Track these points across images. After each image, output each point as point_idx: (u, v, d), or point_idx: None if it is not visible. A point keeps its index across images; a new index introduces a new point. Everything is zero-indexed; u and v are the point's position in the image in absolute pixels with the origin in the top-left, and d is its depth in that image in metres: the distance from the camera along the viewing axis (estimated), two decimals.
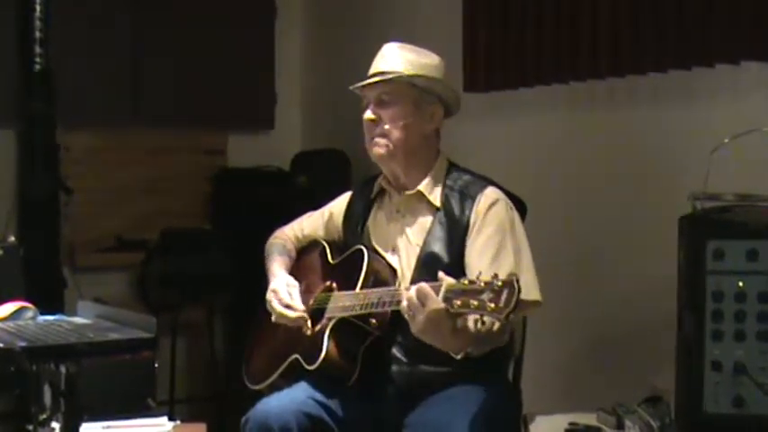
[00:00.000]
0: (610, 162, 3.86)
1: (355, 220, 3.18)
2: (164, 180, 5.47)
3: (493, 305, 2.40)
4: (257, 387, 3.15)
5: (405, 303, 2.59)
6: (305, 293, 3.14)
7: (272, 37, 5.75)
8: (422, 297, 2.54)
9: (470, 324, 2.56)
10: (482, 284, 2.44)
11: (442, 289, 2.51)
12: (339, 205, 3.28)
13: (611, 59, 3.70)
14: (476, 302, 2.43)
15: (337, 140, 5.27)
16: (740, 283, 2.74)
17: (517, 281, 2.42)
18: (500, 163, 3.64)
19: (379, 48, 3.09)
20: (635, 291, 3.66)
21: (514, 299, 2.40)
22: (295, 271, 3.26)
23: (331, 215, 3.29)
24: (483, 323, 2.48)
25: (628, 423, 3.10)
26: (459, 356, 2.69)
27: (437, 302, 2.51)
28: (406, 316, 2.60)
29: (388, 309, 2.78)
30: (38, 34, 4.80)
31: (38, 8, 4.79)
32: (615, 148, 3.85)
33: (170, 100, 5.35)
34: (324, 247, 3.23)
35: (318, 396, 2.93)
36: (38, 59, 4.81)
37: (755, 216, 2.83)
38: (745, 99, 3.37)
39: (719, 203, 2.91)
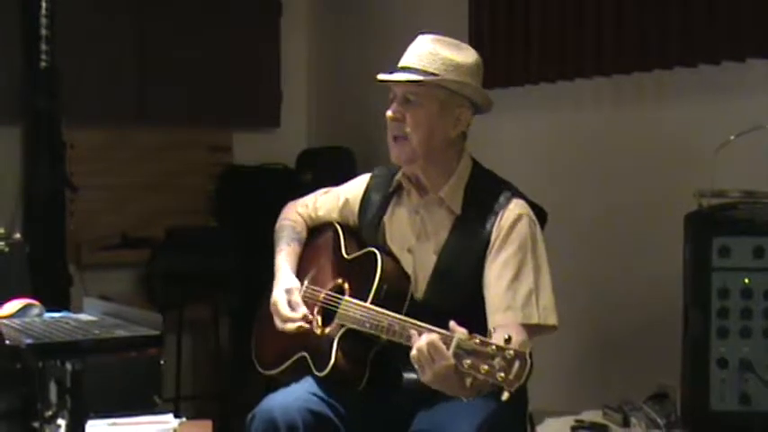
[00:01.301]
0: (615, 159, 3.86)
1: (372, 211, 3.11)
2: (169, 177, 5.48)
3: (503, 375, 2.34)
4: (264, 372, 3.14)
5: (414, 353, 2.54)
6: (315, 283, 3.10)
7: (278, 35, 5.76)
8: (432, 351, 2.48)
9: (478, 383, 2.49)
10: (494, 348, 2.37)
11: (453, 343, 2.45)
12: (356, 192, 3.19)
13: (616, 57, 3.70)
14: (486, 368, 2.37)
15: (343, 138, 5.28)
16: (746, 280, 2.75)
17: (530, 354, 2.36)
18: (504, 160, 3.62)
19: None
20: (640, 288, 3.66)
21: (525, 373, 2.33)
22: (306, 253, 3.22)
23: (347, 201, 3.21)
24: (492, 385, 2.43)
25: (634, 420, 3.10)
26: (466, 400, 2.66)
27: (447, 359, 2.45)
28: (415, 365, 2.56)
29: (397, 340, 2.72)
30: (43, 32, 4.80)
31: (43, 6, 4.79)
32: (620, 145, 3.84)
33: (175, 97, 5.36)
34: (337, 233, 3.16)
35: (325, 394, 2.91)
36: (43, 57, 4.82)
37: (761, 213, 2.83)
38: (751, 96, 3.37)
39: (725, 200, 2.91)
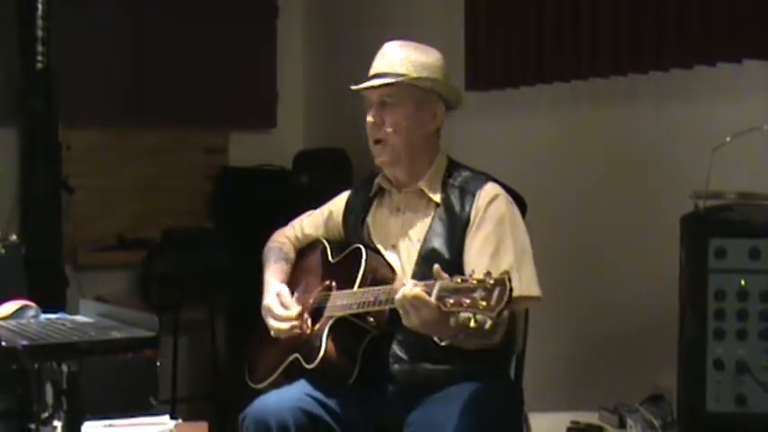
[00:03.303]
0: (611, 161, 3.86)
1: (355, 217, 3.17)
2: (165, 179, 5.48)
3: (485, 303, 2.42)
4: (259, 386, 3.16)
5: (398, 296, 2.60)
6: (305, 293, 3.14)
7: (274, 35, 5.76)
8: (415, 302, 2.55)
9: (462, 320, 2.56)
10: (474, 283, 2.45)
11: (436, 288, 2.52)
12: (338, 204, 3.27)
13: (612, 58, 3.70)
14: (468, 301, 2.44)
15: (339, 139, 5.27)
16: (742, 282, 2.75)
17: (509, 279, 2.44)
18: (501, 161, 3.63)
19: (380, 46, 3.07)
20: (637, 289, 3.66)
21: (506, 297, 2.41)
22: (295, 272, 3.26)
23: (330, 213, 3.27)
24: (476, 321, 2.48)
25: (630, 422, 3.10)
26: (443, 344, 2.70)
27: (431, 306, 2.53)
28: (399, 310, 2.61)
29: (385, 307, 2.79)
30: (40, 33, 4.80)
31: (39, 7, 4.79)
32: (617, 147, 3.85)
33: (171, 98, 5.36)
34: (324, 247, 3.23)
35: (316, 394, 2.93)
36: (39, 58, 4.81)
37: (757, 214, 2.84)
38: (746, 98, 3.37)
39: (721, 202, 2.91)
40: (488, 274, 2.45)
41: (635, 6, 3.60)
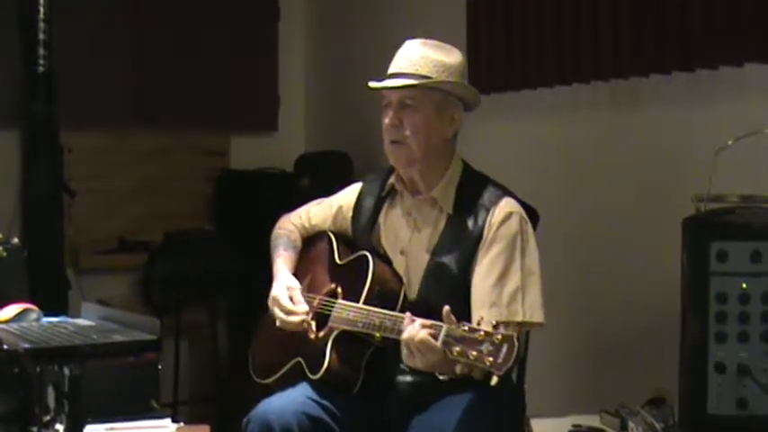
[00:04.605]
0: (613, 164, 3.86)
1: (365, 216, 3.13)
2: (166, 181, 5.49)
3: (491, 359, 2.41)
4: (262, 381, 3.15)
5: (405, 336, 2.61)
6: (309, 290, 3.12)
7: (276, 39, 5.76)
8: (421, 346, 2.56)
9: (468, 369, 2.53)
10: (482, 334, 2.44)
11: (442, 333, 2.52)
12: (348, 199, 3.22)
13: (613, 61, 3.70)
14: (474, 353, 2.43)
15: (340, 142, 5.28)
16: (744, 285, 2.74)
17: (518, 338, 2.44)
18: (502, 164, 3.63)
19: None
20: (638, 292, 3.66)
21: (513, 357, 2.40)
22: (300, 263, 3.24)
23: (340, 208, 3.22)
24: (481, 372, 2.47)
25: (631, 425, 3.10)
26: (443, 378, 2.68)
27: (437, 351, 2.53)
28: (403, 349, 2.62)
29: (389, 336, 2.77)
30: (41, 36, 4.80)
31: (41, 10, 4.80)
32: (618, 150, 3.85)
33: (173, 101, 5.37)
34: (331, 241, 3.19)
35: (320, 397, 2.93)
36: (41, 61, 4.82)
37: (759, 217, 2.83)
38: (748, 101, 3.37)
39: (723, 205, 2.91)
40: (497, 326, 2.44)
41: (636, 9, 3.60)
